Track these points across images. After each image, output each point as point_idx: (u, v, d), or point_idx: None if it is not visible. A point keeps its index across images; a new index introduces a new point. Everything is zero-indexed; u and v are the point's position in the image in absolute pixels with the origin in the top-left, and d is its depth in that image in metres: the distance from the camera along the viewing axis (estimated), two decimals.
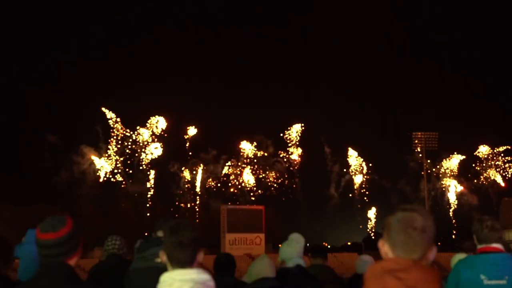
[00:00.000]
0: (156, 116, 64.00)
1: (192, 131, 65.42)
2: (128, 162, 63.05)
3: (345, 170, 69.79)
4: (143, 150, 63.13)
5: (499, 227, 4.15)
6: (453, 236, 62.71)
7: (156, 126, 64.16)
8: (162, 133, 64.40)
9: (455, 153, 68.93)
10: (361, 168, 68.88)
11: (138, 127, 63.66)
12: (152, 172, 63.67)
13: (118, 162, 62.34)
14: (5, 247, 3.83)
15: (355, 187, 69.77)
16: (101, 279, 5.98)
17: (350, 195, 70.31)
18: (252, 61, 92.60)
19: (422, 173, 59.90)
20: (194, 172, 64.45)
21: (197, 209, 61.06)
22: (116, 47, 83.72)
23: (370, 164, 69.83)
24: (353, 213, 70.81)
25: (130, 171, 63.31)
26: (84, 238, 3.02)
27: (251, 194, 65.48)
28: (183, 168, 64.37)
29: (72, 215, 3.01)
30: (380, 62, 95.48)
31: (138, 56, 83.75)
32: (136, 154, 63.26)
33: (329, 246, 66.97)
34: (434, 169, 68.59)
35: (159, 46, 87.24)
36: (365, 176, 69.23)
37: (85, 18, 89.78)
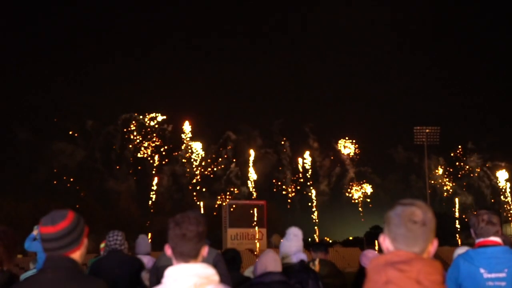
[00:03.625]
0: (149, 114, 62.68)
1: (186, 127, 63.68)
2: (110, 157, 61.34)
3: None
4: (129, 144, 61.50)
5: (496, 221, 4.16)
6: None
7: (154, 119, 62.76)
8: (154, 127, 62.76)
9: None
10: (353, 161, 67.57)
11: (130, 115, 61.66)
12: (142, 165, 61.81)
13: (97, 158, 60.58)
14: (8, 239, 3.82)
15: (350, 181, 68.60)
16: (102, 274, 6.00)
17: (353, 191, 69.55)
18: (244, 55, 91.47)
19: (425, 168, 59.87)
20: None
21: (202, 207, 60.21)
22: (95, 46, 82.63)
23: (358, 157, 68.52)
24: (351, 208, 70.18)
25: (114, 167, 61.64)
26: (88, 232, 3.04)
27: (248, 188, 64.23)
28: (164, 162, 62.53)
29: (74, 210, 3.02)
30: (378, 60, 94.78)
31: (120, 52, 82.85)
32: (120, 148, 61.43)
33: (330, 241, 66.93)
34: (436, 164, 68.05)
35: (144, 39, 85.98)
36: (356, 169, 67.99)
37: (64, 15, 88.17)
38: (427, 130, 56.68)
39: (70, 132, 58.35)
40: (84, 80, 75.80)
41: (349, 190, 65.85)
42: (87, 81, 75.34)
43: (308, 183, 64.45)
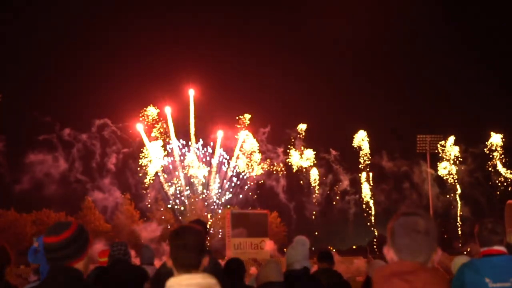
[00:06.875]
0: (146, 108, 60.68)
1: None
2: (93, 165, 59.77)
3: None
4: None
5: (500, 230, 4.14)
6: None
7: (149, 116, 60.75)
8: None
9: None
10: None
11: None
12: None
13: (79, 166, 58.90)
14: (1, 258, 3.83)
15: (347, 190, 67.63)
16: (107, 284, 6.00)
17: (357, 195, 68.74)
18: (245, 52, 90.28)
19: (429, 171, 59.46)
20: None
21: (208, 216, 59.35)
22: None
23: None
24: (353, 216, 69.51)
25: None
26: (92, 243, 3.04)
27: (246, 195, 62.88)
28: (158, 170, 61.09)
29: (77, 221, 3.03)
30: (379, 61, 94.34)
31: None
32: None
33: (334, 250, 66.54)
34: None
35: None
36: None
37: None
38: (429, 139, 56.62)
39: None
40: (53, 84, 73.97)
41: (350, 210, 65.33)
42: (54, 85, 73.42)
43: (304, 194, 63.96)
